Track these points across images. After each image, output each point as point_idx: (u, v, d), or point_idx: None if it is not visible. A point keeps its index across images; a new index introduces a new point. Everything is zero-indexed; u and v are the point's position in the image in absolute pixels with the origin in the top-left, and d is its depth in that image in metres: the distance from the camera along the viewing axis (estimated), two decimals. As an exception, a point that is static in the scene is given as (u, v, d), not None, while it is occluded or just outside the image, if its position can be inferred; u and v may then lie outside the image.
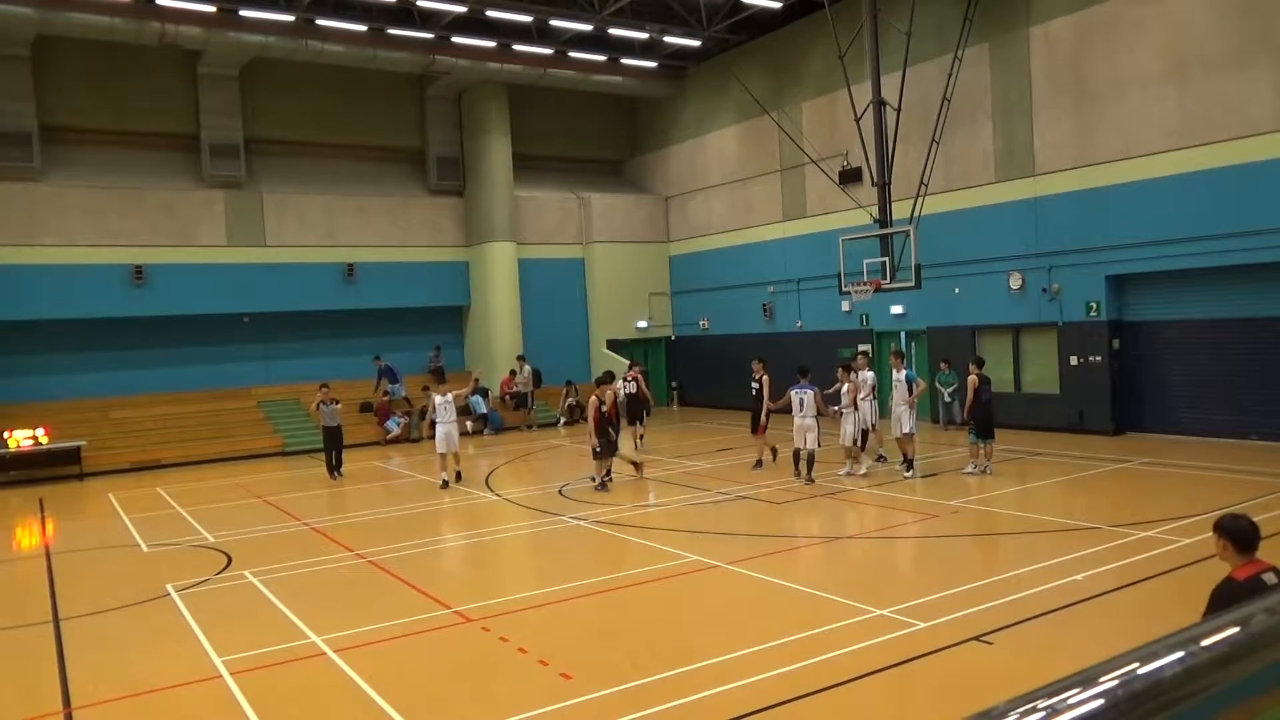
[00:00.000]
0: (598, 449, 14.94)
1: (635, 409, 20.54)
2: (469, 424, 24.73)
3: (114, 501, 16.83)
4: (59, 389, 22.80)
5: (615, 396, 15.56)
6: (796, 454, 14.98)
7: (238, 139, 24.78)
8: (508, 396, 26.30)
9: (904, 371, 15.55)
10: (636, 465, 16.28)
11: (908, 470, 14.89)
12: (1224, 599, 4.24)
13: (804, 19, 24.39)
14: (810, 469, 14.76)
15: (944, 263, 20.68)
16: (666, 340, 30.42)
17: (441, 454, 16.13)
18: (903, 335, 22.82)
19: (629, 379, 21.46)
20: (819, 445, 14.91)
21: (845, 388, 15.14)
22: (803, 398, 14.84)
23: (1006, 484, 14.32)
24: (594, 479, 15.20)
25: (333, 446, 18.17)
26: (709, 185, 28.58)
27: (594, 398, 15.04)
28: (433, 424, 16.40)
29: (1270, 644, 1.04)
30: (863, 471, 15.04)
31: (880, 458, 16.39)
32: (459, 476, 16.38)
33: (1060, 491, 13.94)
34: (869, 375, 15.84)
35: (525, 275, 27.73)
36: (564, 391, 27.10)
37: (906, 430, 14.95)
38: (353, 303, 26.21)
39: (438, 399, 16.21)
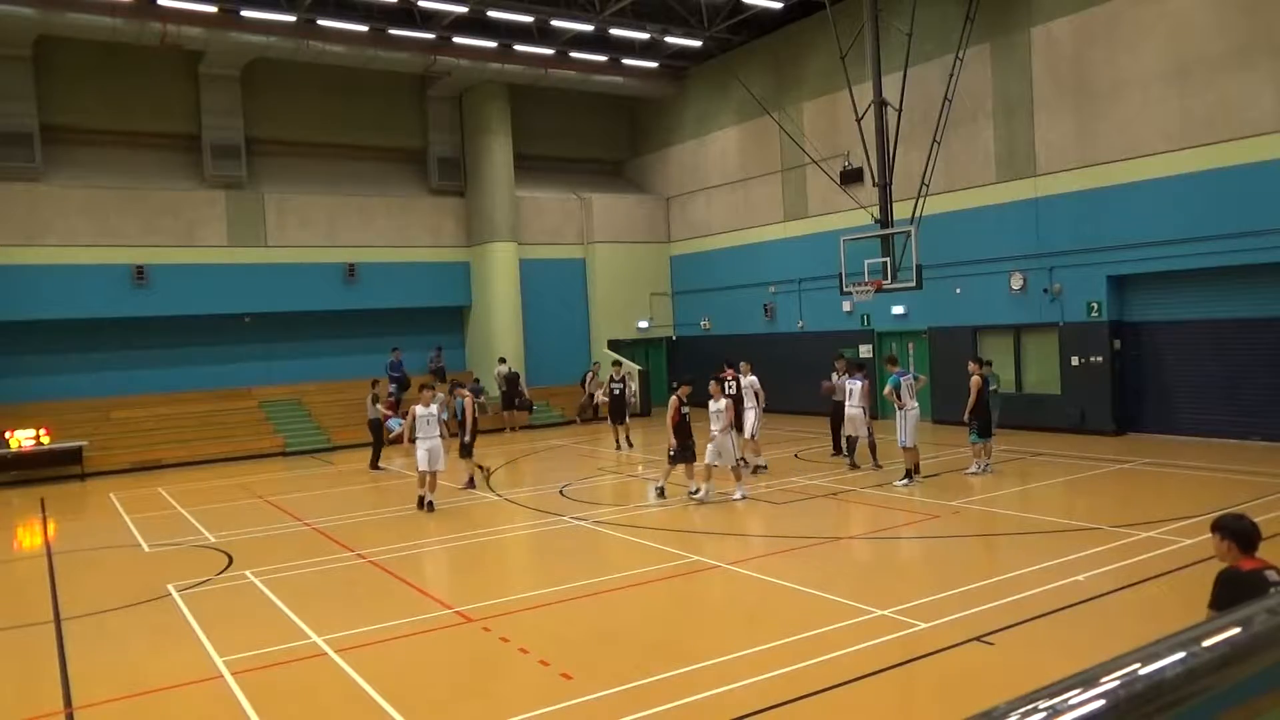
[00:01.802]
0: (673, 453, 13.95)
1: (619, 409, 20.53)
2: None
3: (115, 501, 16.84)
4: (60, 389, 22.83)
5: (679, 403, 14.18)
6: (851, 441, 16.13)
7: (239, 139, 24.79)
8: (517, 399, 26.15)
9: (894, 374, 15.26)
10: (484, 469, 16.39)
11: (901, 480, 14.35)
12: (1229, 584, 4.26)
13: (805, 19, 24.40)
14: (852, 452, 16.17)
15: (945, 263, 20.68)
16: (668, 340, 30.43)
17: (422, 472, 14.10)
18: (903, 338, 22.81)
19: (616, 379, 21.13)
20: (868, 433, 15.94)
21: (721, 404, 13.80)
22: (852, 388, 15.84)
23: (1008, 484, 14.31)
24: (655, 488, 14.34)
25: (375, 440, 19.37)
26: (710, 185, 28.58)
27: (674, 399, 14.10)
28: (414, 440, 14.42)
29: (1271, 645, 1.04)
30: (738, 496, 13.75)
31: (757, 468, 15.93)
32: (431, 505, 14.17)
33: (1061, 492, 13.93)
34: (752, 380, 16.09)
35: (526, 275, 27.73)
36: (587, 378, 26.55)
37: (907, 443, 14.41)
38: (354, 303, 26.22)
39: (420, 410, 14.23)
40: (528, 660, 7.44)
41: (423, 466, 14.09)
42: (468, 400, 15.90)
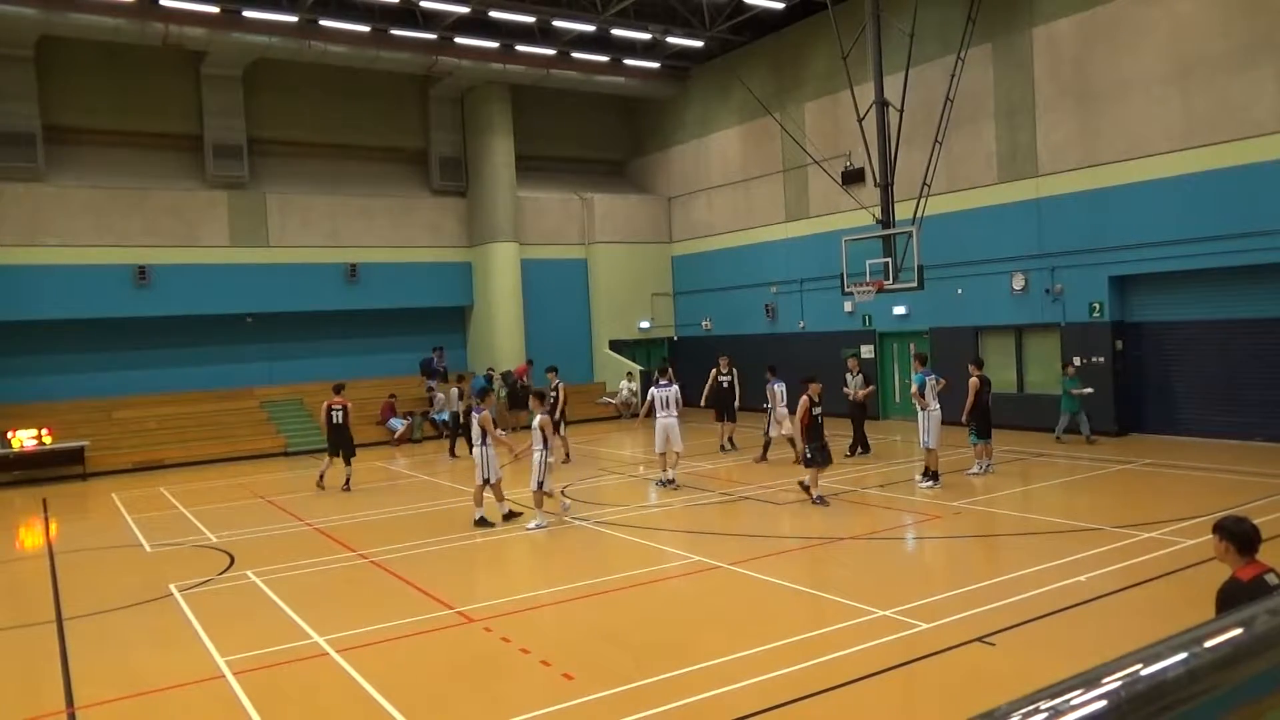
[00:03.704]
0: (808, 455, 13.17)
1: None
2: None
3: (117, 501, 16.85)
4: (62, 389, 22.85)
5: (810, 402, 13.36)
6: (770, 440, 17.45)
7: (241, 140, 24.81)
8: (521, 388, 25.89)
9: (919, 374, 15.16)
10: (346, 482, 16.48)
11: (925, 481, 14.21)
12: (1231, 598, 4.25)
13: (806, 20, 24.39)
14: (766, 450, 17.53)
15: (947, 263, 20.67)
16: (669, 340, 30.43)
17: (494, 484, 13.07)
18: (904, 339, 22.81)
19: (553, 388, 18.75)
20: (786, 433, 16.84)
21: (538, 420, 12.74)
22: (780, 390, 17.15)
23: (1009, 485, 14.30)
24: (813, 496, 13.19)
25: (454, 430, 20.66)
26: (711, 186, 28.58)
27: (804, 397, 13.38)
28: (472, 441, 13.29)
29: (1272, 646, 1.04)
30: (532, 525, 12.64)
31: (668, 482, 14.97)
32: (511, 514, 13.22)
33: (1063, 492, 13.92)
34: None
35: (528, 276, 27.73)
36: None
37: (930, 444, 14.31)
38: (355, 303, 26.23)
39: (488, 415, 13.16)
40: (529, 660, 7.44)
41: (493, 477, 13.03)
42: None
